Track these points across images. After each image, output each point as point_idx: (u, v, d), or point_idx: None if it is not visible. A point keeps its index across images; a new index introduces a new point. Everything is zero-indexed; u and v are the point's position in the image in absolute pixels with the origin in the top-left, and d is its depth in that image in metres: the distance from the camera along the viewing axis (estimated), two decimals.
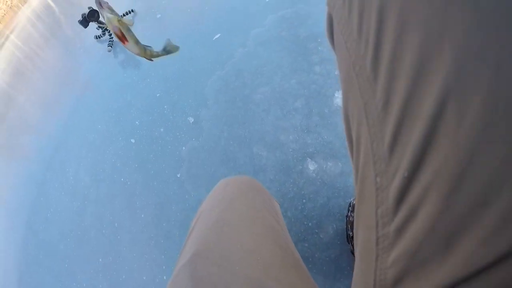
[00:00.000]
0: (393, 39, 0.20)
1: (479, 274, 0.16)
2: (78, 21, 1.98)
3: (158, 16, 2.05)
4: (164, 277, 1.02)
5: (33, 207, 1.75)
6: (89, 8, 1.97)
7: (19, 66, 4.42)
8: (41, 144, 2.14)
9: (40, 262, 1.49)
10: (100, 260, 1.23)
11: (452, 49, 0.17)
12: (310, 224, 0.84)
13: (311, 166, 0.91)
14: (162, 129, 1.32)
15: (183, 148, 1.19)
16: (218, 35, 1.52)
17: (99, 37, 2.31)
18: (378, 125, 0.22)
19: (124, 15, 2.20)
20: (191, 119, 1.26)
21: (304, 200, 0.88)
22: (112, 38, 2.12)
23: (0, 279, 1.68)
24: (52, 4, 5.34)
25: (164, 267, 1.04)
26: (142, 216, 1.19)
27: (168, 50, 0.93)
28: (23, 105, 3.20)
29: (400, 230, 0.20)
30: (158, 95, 1.49)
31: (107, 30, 2.15)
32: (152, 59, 0.81)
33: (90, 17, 1.95)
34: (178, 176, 1.15)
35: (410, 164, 0.19)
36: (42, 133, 2.34)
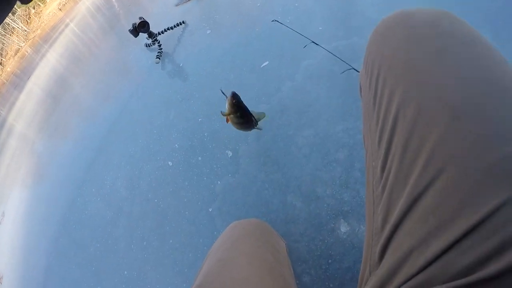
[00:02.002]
0: (381, 87, 0.40)
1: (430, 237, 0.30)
2: (129, 30, 2.16)
3: (208, 32, 2.19)
4: None
5: (70, 205, 1.97)
6: (140, 18, 2.15)
7: (76, 53, 4.90)
8: (86, 141, 2.40)
9: (69, 258, 1.68)
10: (125, 272, 1.37)
11: (414, 94, 0.36)
12: (331, 285, 0.88)
13: (343, 228, 0.95)
14: (200, 158, 1.43)
15: (218, 182, 1.29)
16: (267, 62, 1.60)
17: (149, 46, 2.50)
18: (374, 135, 0.41)
19: (175, 26, 2.37)
20: (230, 153, 1.35)
21: (330, 260, 0.92)
22: (161, 50, 2.29)
23: (29, 264, 1.93)
24: None
25: None
26: (171, 241, 1.31)
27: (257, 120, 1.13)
28: (77, 89, 3.60)
29: (381, 196, 0.37)
30: (200, 119, 1.61)
31: (157, 40, 2.33)
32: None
33: (140, 27, 2.13)
34: (210, 210, 1.24)
35: (383, 152, 0.38)
36: (91, 120, 2.62)
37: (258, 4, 2.07)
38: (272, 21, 1.32)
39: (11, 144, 4.13)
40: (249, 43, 1.83)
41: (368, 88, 0.44)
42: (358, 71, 1.12)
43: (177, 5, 2.80)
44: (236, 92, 0.95)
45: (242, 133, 1.25)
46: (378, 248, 0.35)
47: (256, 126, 1.11)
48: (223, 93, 1.00)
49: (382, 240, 0.35)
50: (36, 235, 2.10)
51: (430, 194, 0.30)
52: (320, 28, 1.61)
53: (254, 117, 1.04)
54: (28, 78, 6.52)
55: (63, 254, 1.75)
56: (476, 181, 0.27)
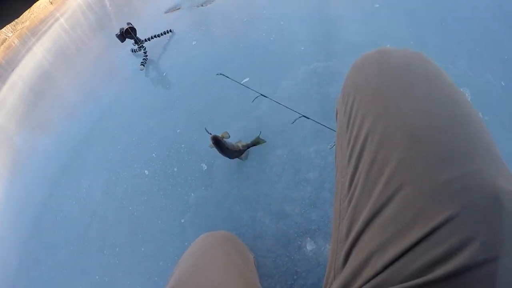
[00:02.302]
0: (354, 113, 0.44)
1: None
2: (116, 35, 2.17)
3: (194, 43, 2.21)
4: None
5: (43, 206, 1.93)
6: (128, 24, 2.16)
7: (64, 49, 4.80)
8: (66, 140, 2.36)
9: (40, 261, 1.65)
10: (97, 277, 1.36)
11: (376, 128, 0.40)
12: None
13: (309, 246, 0.99)
14: (175, 169, 1.44)
15: (192, 194, 1.31)
16: (247, 79, 1.63)
17: (135, 51, 2.50)
18: (345, 154, 0.44)
19: (162, 34, 2.38)
20: (205, 166, 1.37)
21: (295, 277, 0.95)
22: (146, 56, 2.29)
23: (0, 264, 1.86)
24: None
25: None
26: (142, 249, 1.31)
27: (255, 142, 1.29)
28: (60, 86, 3.54)
29: (347, 208, 0.41)
30: (178, 131, 1.62)
31: (143, 47, 2.33)
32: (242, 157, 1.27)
33: (127, 33, 2.13)
34: (182, 221, 1.26)
35: (352, 169, 0.41)
36: (72, 119, 2.58)
37: (245, 20, 2.11)
38: (217, 74, 1.39)
39: None
40: (231, 57, 1.86)
41: (343, 113, 0.49)
42: (308, 118, 1.17)
43: (166, 12, 2.81)
44: (217, 135, 1.15)
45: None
46: (342, 254, 0.39)
47: (240, 157, 1.26)
48: (207, 131, 1.16)
49: (346, 247, 0.38)
50: (6, 234, 2.05)
51: (390, 207, 0.34)
52: (302, 48, 1.66)
53: (228, 149, 1.20)
54: (13, 70, 6.34)
55: (34, 256, 1.71)
56: (429, 197, 0.31)
